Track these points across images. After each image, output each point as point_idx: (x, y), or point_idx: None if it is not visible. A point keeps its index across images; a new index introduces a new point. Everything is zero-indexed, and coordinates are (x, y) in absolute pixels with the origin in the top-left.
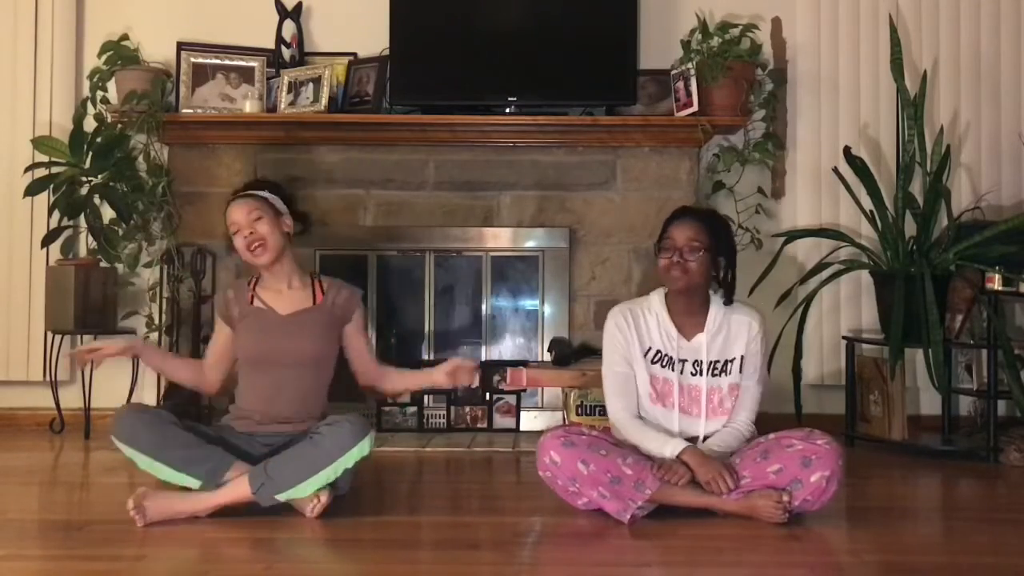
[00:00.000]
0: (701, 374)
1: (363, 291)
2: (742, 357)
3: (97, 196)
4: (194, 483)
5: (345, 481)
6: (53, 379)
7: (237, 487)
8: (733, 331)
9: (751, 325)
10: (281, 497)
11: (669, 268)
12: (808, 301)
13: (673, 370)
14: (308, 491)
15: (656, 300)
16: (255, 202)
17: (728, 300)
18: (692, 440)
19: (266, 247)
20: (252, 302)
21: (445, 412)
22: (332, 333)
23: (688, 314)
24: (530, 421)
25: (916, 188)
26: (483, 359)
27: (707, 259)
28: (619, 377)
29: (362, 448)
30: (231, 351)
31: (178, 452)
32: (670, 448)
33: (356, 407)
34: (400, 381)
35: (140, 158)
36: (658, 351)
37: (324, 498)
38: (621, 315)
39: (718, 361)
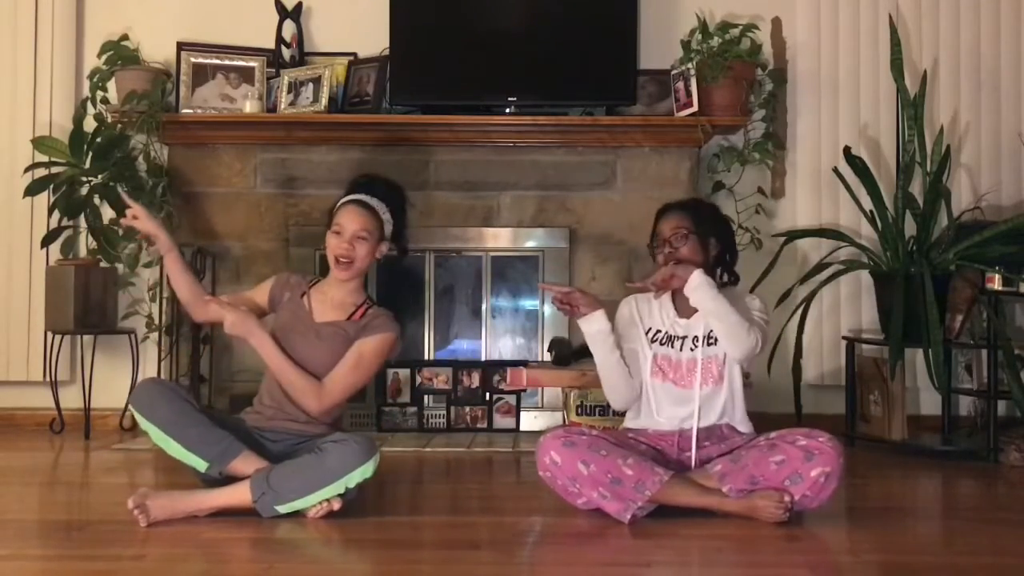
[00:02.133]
0: (697, 347)
1: (398, 334)
2: None
3: (97, 196)
4: (201, 464)
5: (349, 494)
6: (53, 379)
7: (238, 491)
8: None
9: (747, 298)
10: (281, 509)
11: (665, 261)
12: (808, 301)
13: (672, 347)
14: (307, 505)
15: None
16: (370, 221)
17: (729, 278)
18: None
19: (350, 268)
20: (302, 296)
21: (445, 412)
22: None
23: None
24: (530, 421)
25: (916, 188)
26: (483, 359)
27: (696, 242)
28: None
29: (365, 470)
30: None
31: (191, 430)
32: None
33: (354, 407)
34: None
35: (140, 158)
36: (659, 331)
37: (336, 505)
38: (626, 305)
39: (712, 331)
